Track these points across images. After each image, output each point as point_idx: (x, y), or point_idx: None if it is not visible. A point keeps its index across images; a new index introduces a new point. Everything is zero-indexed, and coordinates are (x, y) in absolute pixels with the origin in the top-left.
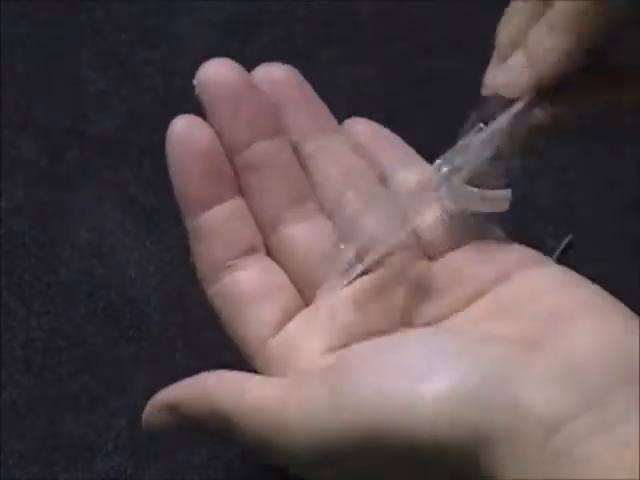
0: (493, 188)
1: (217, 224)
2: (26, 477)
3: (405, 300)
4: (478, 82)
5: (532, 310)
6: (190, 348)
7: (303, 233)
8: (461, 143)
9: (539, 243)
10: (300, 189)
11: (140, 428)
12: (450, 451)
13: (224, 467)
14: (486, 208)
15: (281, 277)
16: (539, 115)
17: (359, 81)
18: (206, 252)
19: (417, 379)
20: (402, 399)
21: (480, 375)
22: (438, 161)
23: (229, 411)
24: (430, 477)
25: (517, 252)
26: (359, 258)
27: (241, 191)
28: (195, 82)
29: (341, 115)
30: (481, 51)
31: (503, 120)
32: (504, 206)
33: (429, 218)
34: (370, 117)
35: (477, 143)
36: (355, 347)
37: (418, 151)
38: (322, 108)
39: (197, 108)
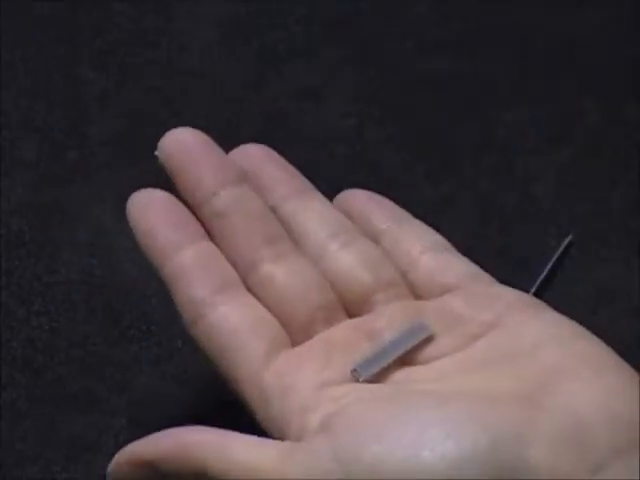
0: None
1: (190, 263)
2: (26, 477)
3: None
4: (478, 82)
5: (529, 363)
6: (190, 348)
7: (281, 271)
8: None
9: (539, 243)
10: (273, 230)
11: (140, 428)
12: None
13: None
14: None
15: (262, 310)
16: None
17: (359, 81)
18: (184, 292)
19: (423, 446)
20: (408, 467)
21: (490, 438)
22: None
23: (215, 470)
24: None
25: (510, 295)
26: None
27: (211, 239)
28: (157, 152)
29: (341, 115)
30: (481, 51)
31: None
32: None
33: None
34: (370, 117)
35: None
36: (352, 402)
37: (418, 150)
38: (299, 177)
39: (197, 108)
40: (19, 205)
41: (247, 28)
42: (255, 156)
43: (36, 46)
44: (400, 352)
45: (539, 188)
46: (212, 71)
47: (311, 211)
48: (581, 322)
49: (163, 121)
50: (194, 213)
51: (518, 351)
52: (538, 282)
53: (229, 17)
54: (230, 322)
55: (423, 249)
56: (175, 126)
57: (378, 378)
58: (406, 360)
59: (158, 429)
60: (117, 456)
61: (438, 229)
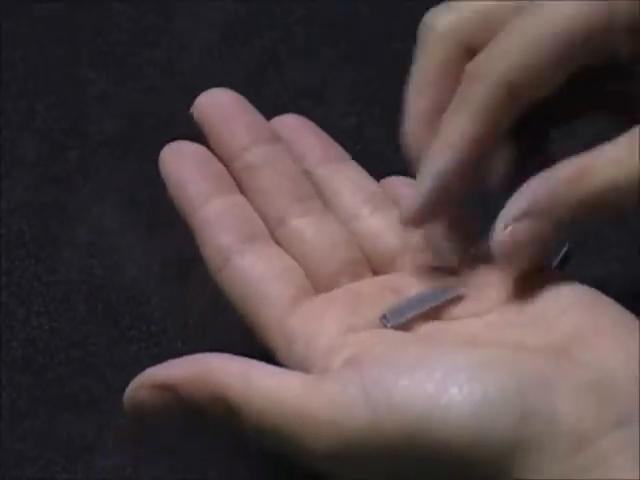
0: None
1: (219, 214)
2: (26, 477)
3: None
4: None
5: (559, 325)
6: (190, 348)
7: (311, 225)
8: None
9: None
10: (303, 189)
11: (140, 428)
12: (484, 459)
13: (224, 467)
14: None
15: (289, 260)
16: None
17: (359, 81)
18: (211, 241)
19: (451, 383)
20: (435, 404)
21: (518, 382)
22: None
23: (238, 398)
24: None
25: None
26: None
27: (241, 193)
28: (192, 110)
29: (341, 115)
30: None
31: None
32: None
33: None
34: (370, 117)
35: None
36: (380, 343)
37: None
38: (336, 146)
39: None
40: (19, 205)
41: (247, 28)
42: (292, 125)
43: (36, 46)
44: (429, 305)
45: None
46: (212, 71)
47: (345, 178)
48: None
49: (163, 121)
50: (226, 168)
51: (547, 314)
52: None
53: (229, 17)
54: (256, 269)
55: None
56: (175, 126)
57: (406, 327)
58: (434, 316)
59: (158, 429)
60: (135, 380)
61: None
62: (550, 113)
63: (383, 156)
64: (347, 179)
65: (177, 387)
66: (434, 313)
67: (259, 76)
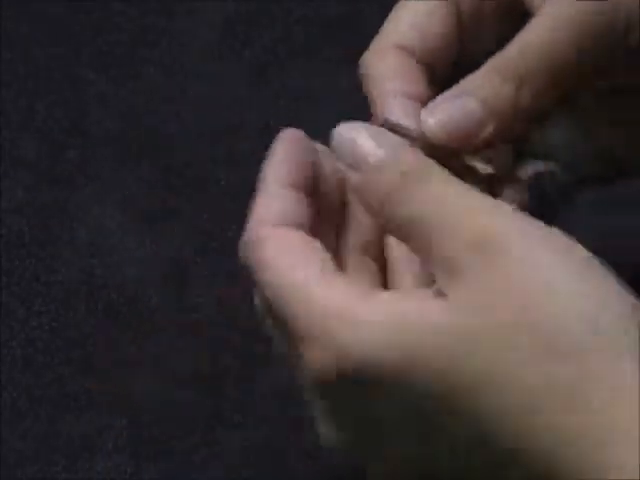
0: None
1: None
2: (26, 477)
3: None
4: None
5: None
6: (190, 348)
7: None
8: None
9: None
10: None
11: (140, 428)
12: None
13: (224, 467)
14: None
15: None
16: None
17: (359, 81)
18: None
19: None
20: None
21: None
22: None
23: None
24: None
25: None
26: None
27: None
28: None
29: (340, 115)
30: None
31: None
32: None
33: None
34: (370, 117)
35: None
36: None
37: None
38: None
39: (197, 108)
40: (19, 205)
41: (247, 28)
42: None
43: (36, 46)
44: None
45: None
46: (212, 71)
47: None
48: None
49: (163, 121)
50: None
51: None
52: None
53: (229, 17)
54: None
55: None
56: (175, 126)
57: None
58: None
59: (158, 429)
60: None
61: None
62: None
63: None
64: None
65: None
66: None
67: (259, 76)
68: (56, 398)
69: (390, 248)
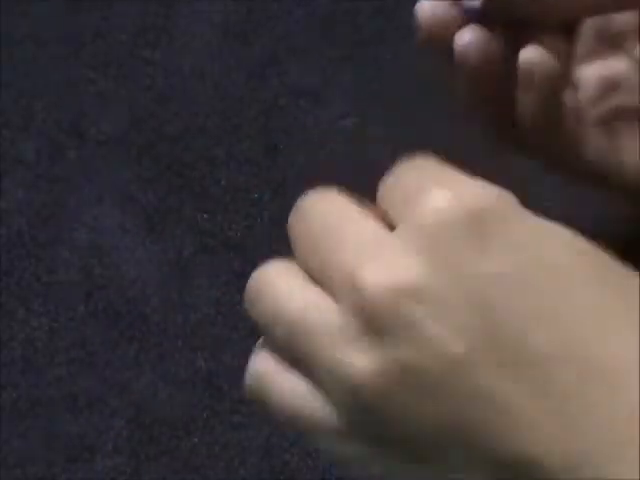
0: None
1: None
2: (26, 477)
3: None
4: None
5: None
6: (190, 348)
7: None
8: None
9: None
10: None
11: (140, 428)
12: None
13: (224, 467)
14: None
15: None
16: None
17: (359, 81)
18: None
19: None
20: None
21: None
22: None
23: None
24: None
25: None
26: None
27: None
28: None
29: (340, 115)
30: None
31: None
32: None
33: None
34: (370, 117)
35: None
36: None
37: (418, 151)
38: None
39: (197, 108)
40: (19, 205)
41: (247, 28)
42: None
43: (36, 46)
44: None
45: (539, 188)
46: (212, 71)
47: None
48: None
49: (163, 121)
50: None
51: None
52: None
53: (229, 17)
54: None
55: None
56: (175, 126)
57: None
58: None
59: (158, 429)
60: None
61: None
62: None
63: (383, 156)
64: None
65: None
66: None
67: (259, 76)
68: (56, 398)
69: None
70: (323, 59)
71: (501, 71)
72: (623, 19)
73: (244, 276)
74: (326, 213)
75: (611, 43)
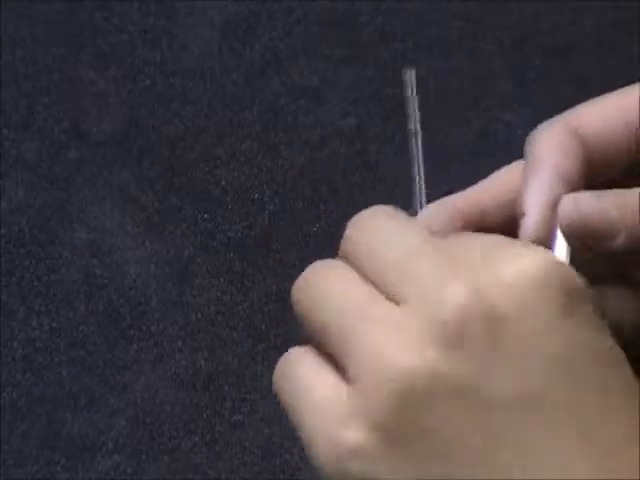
0: None
1: None
2: (26, 477)
3: None
4: (477, 82)
5: None
6: (190, 348)
7: None
8: None
9: None
10: None
11: (140, 428)
12: None
13: (224, 467)
14: None
15: None
16: None
17: (359, 81)
18: None
19: None
20: None
21: None
22: None
23: None
24: None
25: None
26: None
27: None
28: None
29: (340, 115)
30: (481, 51)
31: None
32: None
33: None
34: (370, 117)
35: None
36: None
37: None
38: None
39: (197, 108)
40: (19, 205)
41: (247, 28)
42: None
43: (36, 46)
44: None
45: None
46: (212, 71)
47: None
48: None
49: (163, 121)
50: None
51: None
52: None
53: (229, 17)
54: None
55: None
56: (175, 126)
57: None
58: None
59: (158, 429)
60: None
61: None
62: None
63: (383, 156)
64: None
65: None
66: None
67: (259, 76)
68: (56, 398)
69: None
70: (323, 59)
71: None
72: None
73: (244, 276)
74: (333, 292)
75: None
